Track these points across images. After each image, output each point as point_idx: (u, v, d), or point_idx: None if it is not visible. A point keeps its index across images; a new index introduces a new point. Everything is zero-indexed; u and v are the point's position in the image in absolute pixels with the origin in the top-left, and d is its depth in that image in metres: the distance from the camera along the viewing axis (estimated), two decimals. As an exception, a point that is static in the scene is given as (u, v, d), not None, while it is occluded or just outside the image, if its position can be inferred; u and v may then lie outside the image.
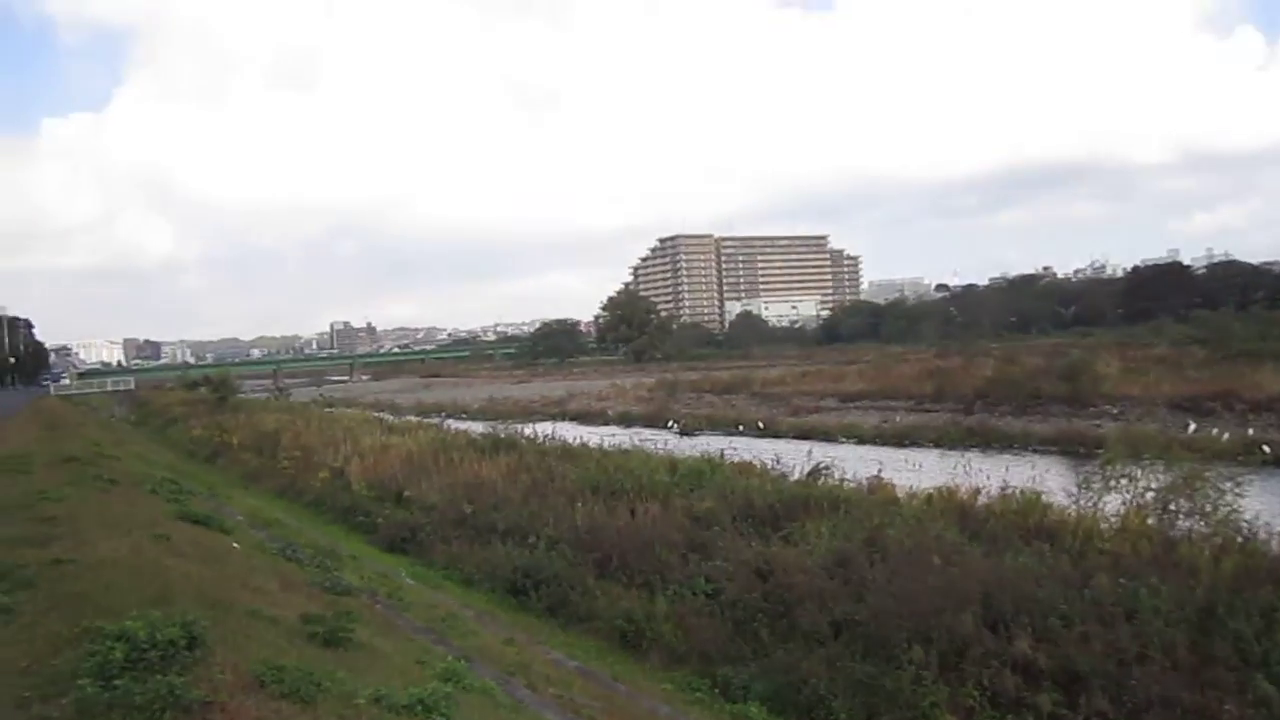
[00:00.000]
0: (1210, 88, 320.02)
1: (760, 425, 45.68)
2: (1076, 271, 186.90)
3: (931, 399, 47.17)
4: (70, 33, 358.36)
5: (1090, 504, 14.52)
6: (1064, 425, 37.31)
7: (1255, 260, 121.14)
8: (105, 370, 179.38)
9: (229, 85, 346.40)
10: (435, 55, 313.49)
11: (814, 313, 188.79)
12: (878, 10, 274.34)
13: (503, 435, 28.48)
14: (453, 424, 41.96)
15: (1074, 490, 15.33)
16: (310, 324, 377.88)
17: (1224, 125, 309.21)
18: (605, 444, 26.44)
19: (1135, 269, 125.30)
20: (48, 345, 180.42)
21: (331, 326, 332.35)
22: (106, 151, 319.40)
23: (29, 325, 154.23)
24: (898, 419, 43.96)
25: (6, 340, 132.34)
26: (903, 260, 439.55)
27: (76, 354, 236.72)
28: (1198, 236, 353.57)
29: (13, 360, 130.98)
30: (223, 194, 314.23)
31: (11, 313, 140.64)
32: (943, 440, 36.79)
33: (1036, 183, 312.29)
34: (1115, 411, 38.43)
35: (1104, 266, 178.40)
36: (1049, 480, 17.92)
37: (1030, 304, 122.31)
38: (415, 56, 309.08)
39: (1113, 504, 14.47)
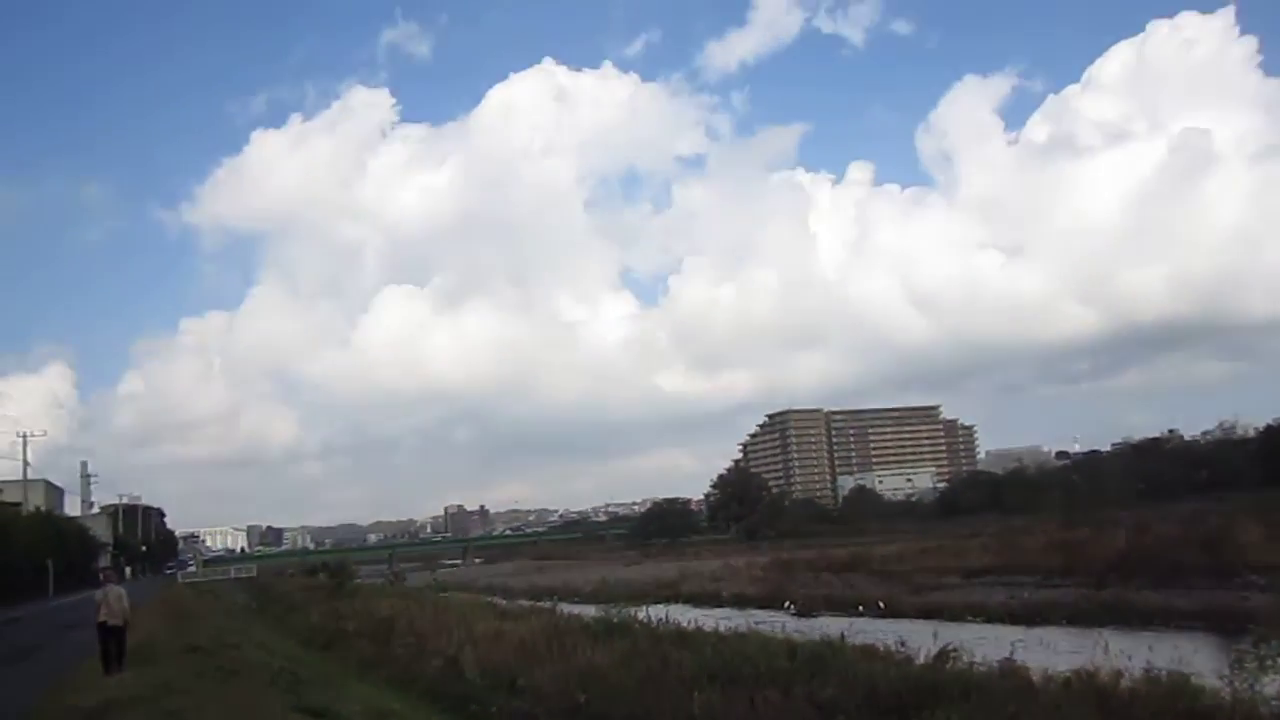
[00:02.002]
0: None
1: (881, 605, 44.05)
2: (1205, 433, 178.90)
3: (1061, 573, 45.01)
4: (209, 239, 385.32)
5: (1245, 686, 13.46)
6: (1207, 598, 35.02)
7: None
8: (230, 557, 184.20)
9: (349, 281, 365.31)
10: (547, 247, 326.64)
11: (930, 485, 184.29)
12: (975, 177, 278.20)
13: (615, 620, 28.02)
14: (565, 608, 41.53)
15: (1225, 671, 14.26)
16: (425, 508, 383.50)
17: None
18: (720, 627, 25.78)
19: (1268, 428, 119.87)
20: (177, 533, 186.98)
21: (445, 510, 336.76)
22: (236, 346, 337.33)
23: (161, 514, 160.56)
24: (1026, 595, 41.94)
25: (140, 529, 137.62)
26: (1018, 428, 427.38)
27: (203, 541, 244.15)
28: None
29: (144, 549, 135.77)
30: (342, 384, 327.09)
31: (146, 502, 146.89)
32: (1076, 617, 34.82)
33: (1153, 344, 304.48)
34: (1262, 583, 36.00)
35: (1234, 427, 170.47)
36: (1196, 660, 16.73)
37: (1158, 469, 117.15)
38: (529, 250, 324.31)
39: (1270, 686, 13.40)
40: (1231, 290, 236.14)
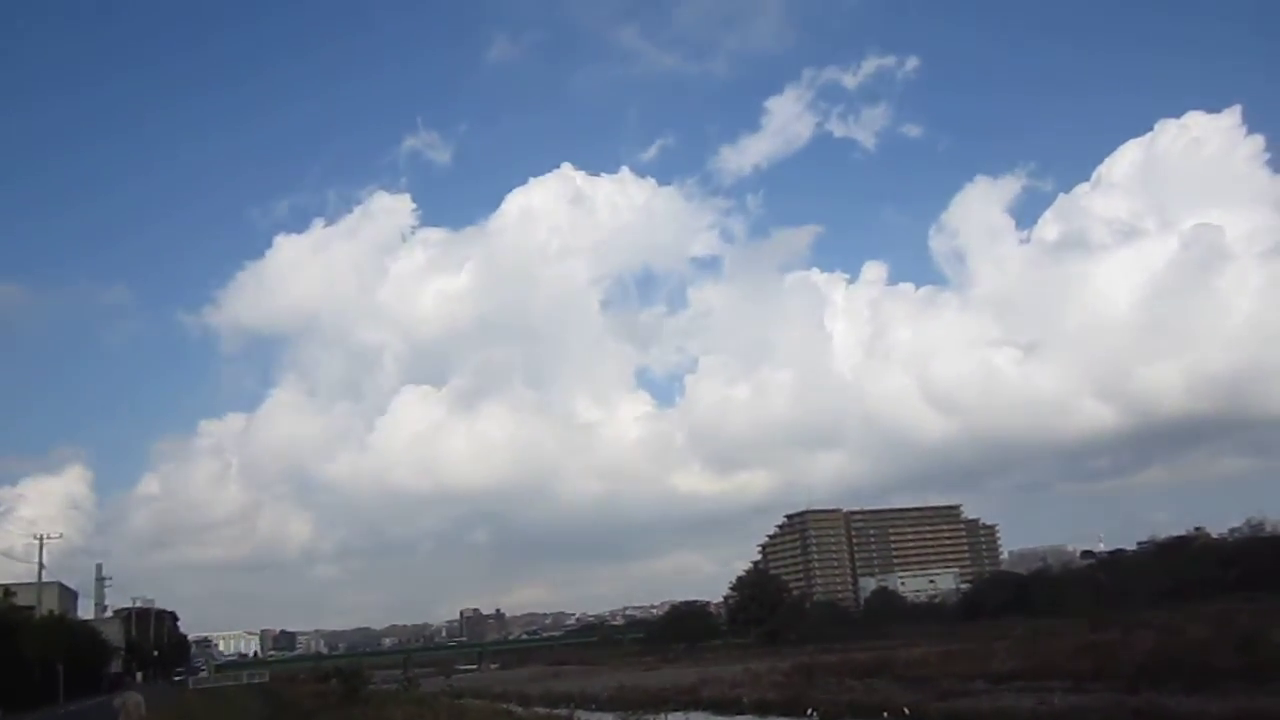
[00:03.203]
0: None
1: (906, 711, 42.84)
2: (1232, 530, 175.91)
3: (1090, 677, 43.68)
4: (230, 342, 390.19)
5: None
6: (1244, 702, 33.92)
7: None
8: (242, 662, 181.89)
9: (368, 383, 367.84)
10: (564, 348, 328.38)
11: (953, 586, 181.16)
12: (988, 275, 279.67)
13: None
14: (582, 715, 40.64)
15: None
16: (440, 611, 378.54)
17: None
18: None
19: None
20: (190, 636, 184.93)
21: (461, 614, 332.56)
22: (253, 448, 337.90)
23: (174, 618, 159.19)
24: (1055, 700, 40.69)
25: (152, 633, 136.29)
26: (1041, 527, 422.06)
27: (216, 645, 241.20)
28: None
29: (156, 653, 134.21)
30: (359, 486, 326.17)
31: (160, 605, 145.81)
32: (1108, 724, 33.72)
33: (1174, 440, 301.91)
34: (1300, 686, 34.85)
35: (1262, 524, 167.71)
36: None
37: (1186, 568, 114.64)
38: (546, 351, 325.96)
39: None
40: (1250, 385, 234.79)
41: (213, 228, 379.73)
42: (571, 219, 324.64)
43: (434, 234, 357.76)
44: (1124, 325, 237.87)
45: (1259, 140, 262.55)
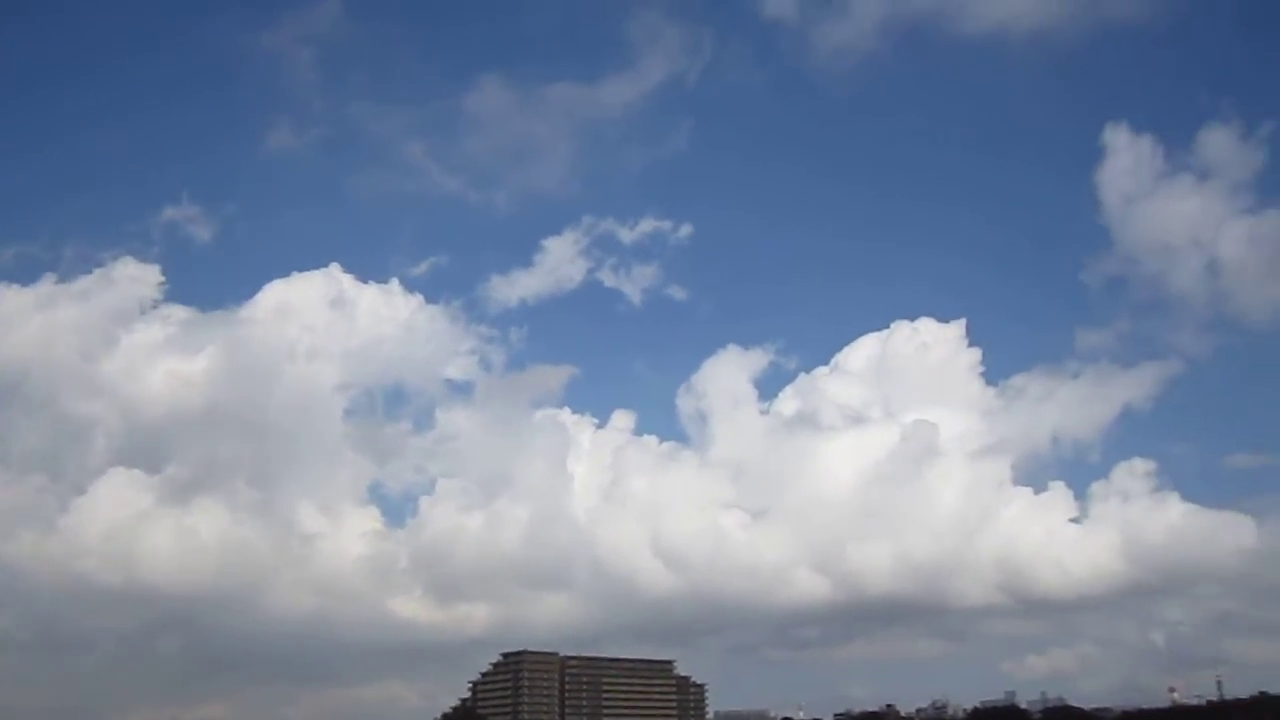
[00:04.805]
0: (1033, 536, 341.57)
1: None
2: (919, 710, 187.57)
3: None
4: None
5: None
6: None
7: (1087, 705, 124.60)
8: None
9: (71, 458, 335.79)
10: (297, 451, 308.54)
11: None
12: (727, 439, 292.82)
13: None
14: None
15: None
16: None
17: (1049, 572, 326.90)
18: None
19: (975, 710, 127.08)
20: None
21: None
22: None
23: None
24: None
25: None
26: (749, 691, 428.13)
27: None
28: (1032, 680, 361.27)
29: None
30: (37, 570, 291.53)
31: None
32: None
33: (877, 618, 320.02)
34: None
35: (945, 705, 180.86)
36: None
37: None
38: (276, 452, 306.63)
39: None
40: (947, 574, 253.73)
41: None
42: (329, 320, 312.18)
43: (179, 311, 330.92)
44: (843, 504, 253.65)
45: (977, 353, 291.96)
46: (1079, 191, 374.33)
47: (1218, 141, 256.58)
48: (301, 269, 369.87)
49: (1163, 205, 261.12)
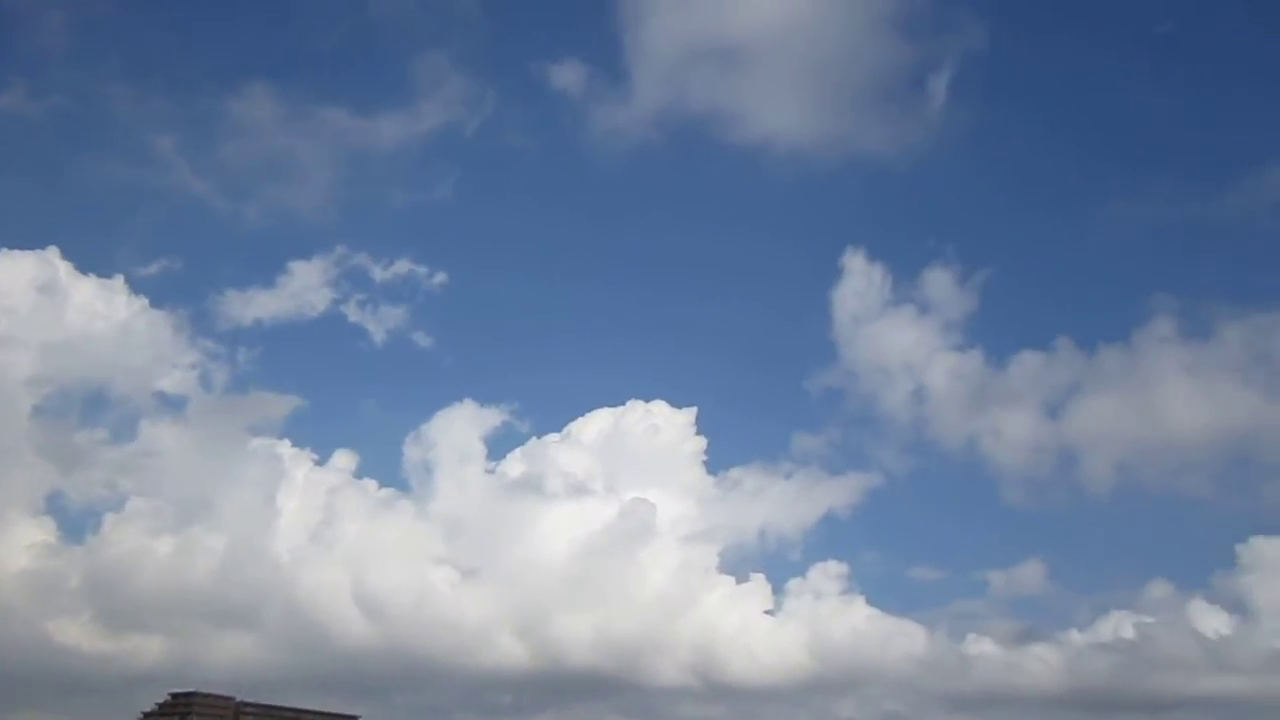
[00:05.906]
0: (730, 623, 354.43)
1: None
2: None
3: None
4: None
5: None
6: None
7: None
8: None
9: None
10: None
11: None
12: (449, 493, 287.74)
13: None
14: None
15: None
16: None
17: (740, 660, 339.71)
18: None
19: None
20: None
21: None
22: None
23: None
24: None
25: None
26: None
27: None
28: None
29: None
30: None
31: None
32: None
33: (573, 690, 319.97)
34: None
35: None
36: None
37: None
38: None
39: None
40: (646, 652, 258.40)
41: None
42: (34, 306, 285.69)
43: None
44: (555, 572, 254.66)
45: (704, 441, 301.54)
46: (815, 306, 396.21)
47: (939, 281, 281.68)
48: (13, 246, 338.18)
49: (885, 331, 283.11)
